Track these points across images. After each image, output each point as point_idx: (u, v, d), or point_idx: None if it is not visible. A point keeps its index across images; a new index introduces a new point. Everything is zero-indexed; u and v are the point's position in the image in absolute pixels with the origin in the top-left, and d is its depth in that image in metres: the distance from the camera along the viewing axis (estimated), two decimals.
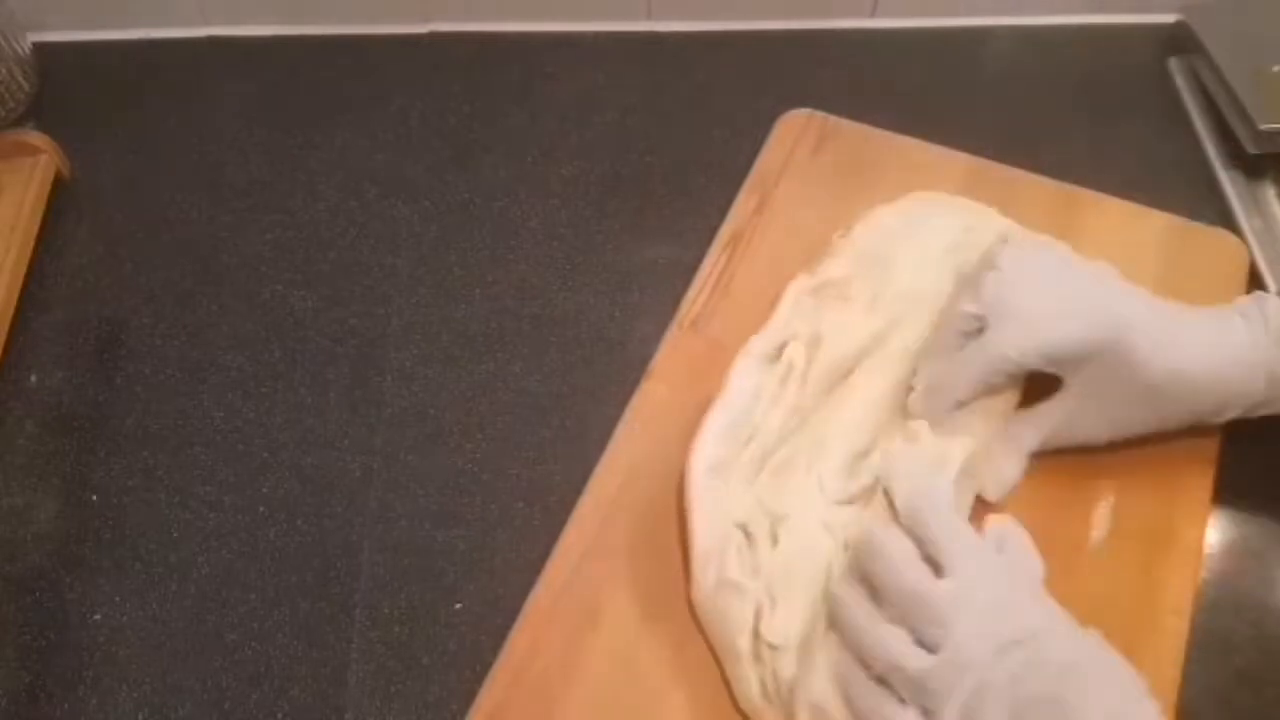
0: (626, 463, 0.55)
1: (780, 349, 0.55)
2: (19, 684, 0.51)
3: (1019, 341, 0.49)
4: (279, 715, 0.50)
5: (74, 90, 0.75)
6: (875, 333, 0.55)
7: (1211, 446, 0.54)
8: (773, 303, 0.57)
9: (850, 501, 0.50)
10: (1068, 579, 0.49)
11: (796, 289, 0.57)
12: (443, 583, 0.52)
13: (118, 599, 0.54)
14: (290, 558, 0.55)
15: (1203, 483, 0.53)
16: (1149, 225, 0.62)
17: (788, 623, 0.47)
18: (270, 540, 0.55)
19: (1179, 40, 0.73)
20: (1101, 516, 0.52)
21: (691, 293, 0.61)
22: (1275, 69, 0.67)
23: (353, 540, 0.55)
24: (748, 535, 0.49)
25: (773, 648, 0.46)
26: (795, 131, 0.67)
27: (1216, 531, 0.54)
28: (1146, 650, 0.47)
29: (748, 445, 0.52)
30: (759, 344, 0.55)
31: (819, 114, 0.68)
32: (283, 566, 0.54)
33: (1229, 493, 0.54)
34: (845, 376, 0.55)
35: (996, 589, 0.43)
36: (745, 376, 0.54)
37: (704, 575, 0.49)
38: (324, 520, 0.56)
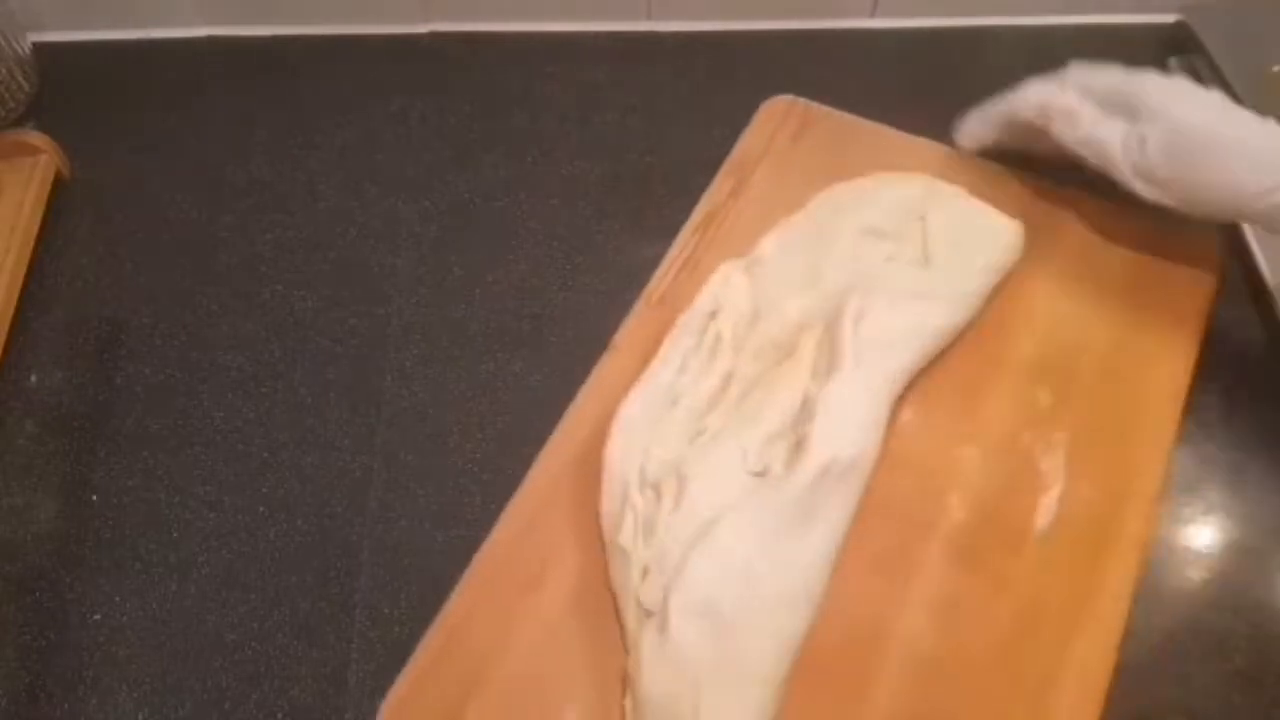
0: (579, 433, 0.55)
1: (708, 321, 0.56)
2: (19, 684, 0.51)
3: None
4: (279, 715, 0.50)
5: (74, 90, 0.75)
6: (812, 306, 0.56)
7: (1165, 439, 0.54)
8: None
9: (761, 474, 0.50)
10: (1011, 564, 0.50)
11: (727, 267, 0.58)
12: (443, 583, 0.52)
13: (118, 599, 0.54)
14: (290, 558, 0.55)
15: (1151, 476, 0.53)
16: (1125, 225, 0.61)
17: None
18: (270, 540, 0.55)
19: (1179, 40, 0.73)
20: (1047, 506, 0.52)
21: (660, 270, 0.61)
22: (1275, 69, 0.67)
23: (353, 540, 0.55)
24: (657, 495, 0.50)
25: (649, 613, 0.47)
26: (777, 118, 0.67)
27: (1215, 531, 0.54)
28: (1084, 632, 0.48)
29: (674, 407, 0.52)
30: (684, 318, 0.56)
31: (801, 101, 0.68)
32: (283, 566, 0.54)
33: (1228, 492, 0.54)
34: (789, 351, 0.55)
35: None
36: (673, 347, 0.55)
37: (607, 537, 0.50)
38: (324, 520, 0.56)
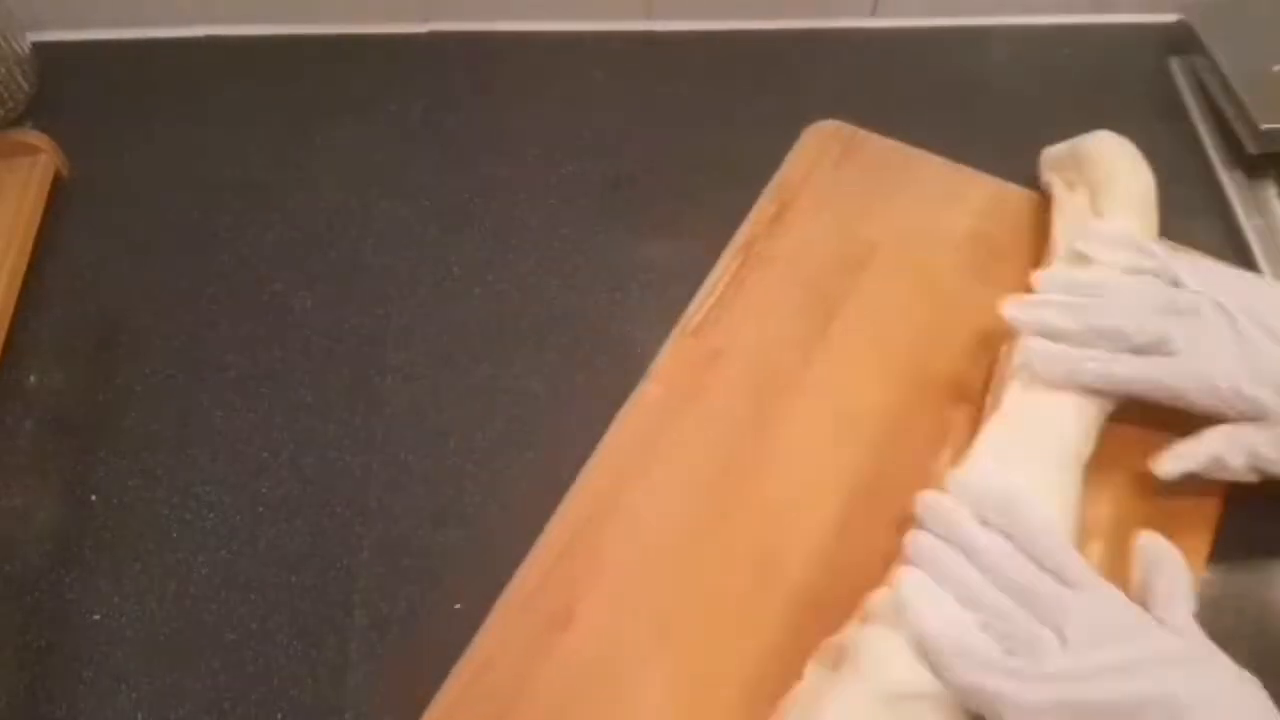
0: (613, 464, 0.54)
1: None
2: (19, 684, 0.51)
3: (1204, 382, 0.49)
4: (279, 715, 0.50)
5: (74, 90, 0.75)
6: None
7: (1211, 511, 0.53)
8: (778, 314, 0.58)
9: None
10: None
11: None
12: (443, 583, 0.52)
13: (117, 599, 0.54)
14: (290, 558, 0.55)
15: (1197, 548, 0.51)
16: None
17: None
18: (270, 540, 0.55)
19: (1180, 40, 0.73)
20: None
21: (699, 297, 0.60)
22: (1276, 69, 0.67)
23: (353, 540, 0.55)
24: None
25: None
26: (821, 142, 0.67)
27: (1215, 531, 0.54)
28: None
29: None
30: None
31: (847, 126, 0.68)
32: (283, 566, 0.54)
33: (1230, 492, 0.54)
34: None
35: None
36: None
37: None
38: (324, 520, 0.56)
